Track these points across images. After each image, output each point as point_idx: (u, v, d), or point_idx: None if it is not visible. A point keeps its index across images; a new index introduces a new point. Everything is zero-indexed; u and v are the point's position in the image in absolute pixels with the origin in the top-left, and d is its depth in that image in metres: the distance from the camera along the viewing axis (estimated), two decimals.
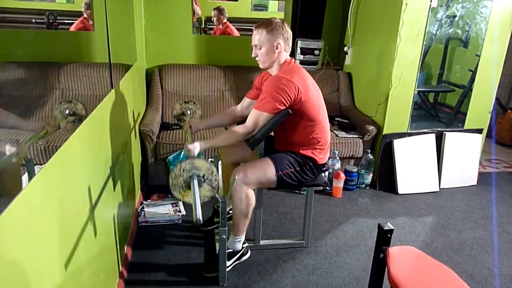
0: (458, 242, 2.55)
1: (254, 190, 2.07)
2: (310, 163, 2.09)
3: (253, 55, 2.02)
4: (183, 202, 2.72)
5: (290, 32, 1.99)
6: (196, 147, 1.91)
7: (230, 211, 2.39)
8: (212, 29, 3.64)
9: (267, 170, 2.01)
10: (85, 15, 1.75)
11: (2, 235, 0.82)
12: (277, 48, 1.96)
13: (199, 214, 1.56)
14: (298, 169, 2.07)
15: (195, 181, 1.71)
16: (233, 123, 2.37)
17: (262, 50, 1.97)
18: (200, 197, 1.71)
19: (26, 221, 0.94)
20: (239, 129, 1.98)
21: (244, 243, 2.17)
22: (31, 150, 1.19)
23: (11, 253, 0.86)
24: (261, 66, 2.04)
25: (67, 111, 1.40)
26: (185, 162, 1.73)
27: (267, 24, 1.94)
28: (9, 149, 0.96)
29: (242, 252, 2.17)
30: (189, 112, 2.52)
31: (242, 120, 2.19)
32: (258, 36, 1.95)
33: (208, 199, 1.83)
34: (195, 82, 3.42)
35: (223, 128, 2.97)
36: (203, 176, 1.76)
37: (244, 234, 2.14)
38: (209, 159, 2.94)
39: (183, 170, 1.73)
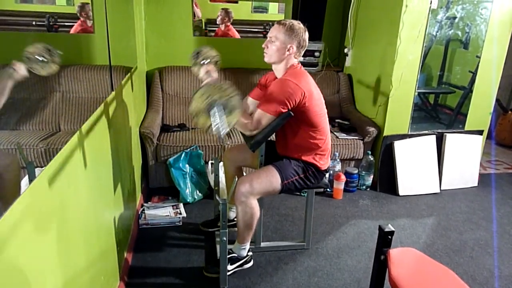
0: (459, 244, 2.54)
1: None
2: (312, 168, 2.09)
3: (263, 45, 2.02)
4: (183, 205, 2.72)
5: (307, 42, 2.01)
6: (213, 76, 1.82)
7: (235, 219, 2.39)
8: (212, 31, 3.65)
9: (273, 180, 2.01)
10: (81, 18, 1.75)
11: (2, 237, 0.82)
12: (288, 50, 1.96)
13: (223, 128, 1.47)
14: (302, 176, 2.08)
15: (218, 111, 1.59)
16: None
17: (274, 46, 1.97)
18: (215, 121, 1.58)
19: (26, 224, 0.94)
20: (245, 120, 1.95)
21: (249, 251, 2.17)
22: (32, 153, 1.19)
23: (12, 256, 0.86)
24: (266, 59, 2.03)
25: (37, 58, 1.33)
26: (234, 95, 1.62)
27: (289, 25, 1.95)
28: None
29: (246, 260, 2.16)
30: (208, 62, 2.23)
31: None
32: (276, 31, 1.97)
33: (203, 128, 1.68)
34: (196, 84, 3.42)
35: None
36: (226, 117, 1.63)
37: (249, 242, 2.14)
38: (210, 161, 2.94)
39: (226, 96, 1.61)
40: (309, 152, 2.07)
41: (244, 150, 2.04)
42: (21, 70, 1.14)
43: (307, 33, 2.00)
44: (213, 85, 1.65)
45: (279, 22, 1.98)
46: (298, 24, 1.97)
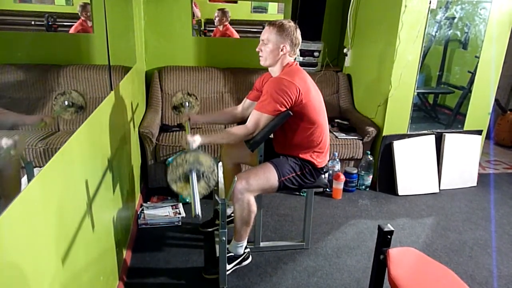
0: (458, 243, 2.54)
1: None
2: (309, 166, 2.09)
3: (257, 49, 2.02)
4: (183, 204, 2.72)
5: (299, 39, 2.01)
6: (195, 140, 1.88)
7: (232, 214, 2.39)
8: (212, 31, 3.65)
9: (270, 177, 2.01)
10: (82, 17, 1.75)
11: (1, 237, 0.82)
12: (282, 50, 1.96)
13: (198, 209, 1.52)
14: (298, 173, 2.07)
15: (194, 175, 1.67)
16: (232, 123, 2.37)
17: (267, 48, 1.97)
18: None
19: (25, 224, 0.94)
20: (240, 129, 1.97)
21: (246, 248, 2.17)
22: (31, 152, 1.19)
23: (10, 256, 0.86)
24: (261, 62, 2.03)
25: (66, 103, 1.39)
26: (189, 154, 1.69)
27: (280, 25, 1.95)
28: (5, 142, 0.96)
29: (244, 257, 2.17)
30: (187, 104, 2.48)
31: (242, 120, 2.19)
32: (267, 33, 1.97)
33: (201, 196, 1.74)
34: (195, 84, 3.42)
35: (222, 126, 2.96)
36: (203, 172, 1.71)
37: (246, 239, 2.13)
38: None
39: (186, 161, 1.68)
40: (306, 149, 2.07)
41: (243, 147, 2.04)
42: (50, 125, 1.21)
43: (298, 31, 2.00)
44: (168, 172, 1.70)
45: (269, 24, 1.98)
46: (288, 23, 1.97)
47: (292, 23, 1.99)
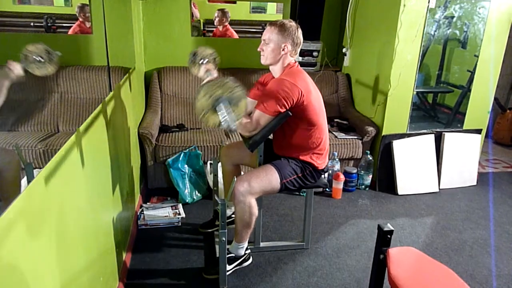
0: (458, 243, 2.54)
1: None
2: (310, 168, 2.09)
3: (258, 49, 2.03)
4: (182, 205, 2.72)
5: (301, 39, 2.01)
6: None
7: (233, 215, 2.39)
8: (211, 31, 3.65)
9: (272, 179, 2.01)
10: (80, 19, 1.75)
11: (1, 238, 0.82)
12: (283, 50, 1.97)
13: (232, 121, 1.45)
14: (300, 175, 2.08)
15: (224, 105, 1.57)
16: None
17: (269, 47, 1.98)
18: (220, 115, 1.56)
19: (24, 224, 0.94)
20: (248, 123, 1.94)
21: (246, 249, 2.17)
22: (30, 154, 1.19)
23: (10, 257, 0.86)
24: (262, 61, 2.04)
25: (35, 58, 1.33)
26: (235, 86, 1.60)
27: (281, 24, 1.96)
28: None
29: (244, 258, 2.16)
30: (207, 61, 2.26)
31: None
32: (269, 33, 1.97)
33: (214, 126, 1.67)
34: (194, 85, 3.42)
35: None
36: (231, 112, 1.61)
37: (247, 241, 2.14)
38: (209, 162, 2.94)
39: (228, 89, 1.59)
40: (306, 151, 2.07)
41: (242, 148, 2.04)
42: (16, 69, 1.14)
43: (300, 30, 2.00)
44: (214, 82, 1.65)
45: (271, 24, 1.99)
46: (289, 23, 1.98)
47: (293, 23, 1.99)
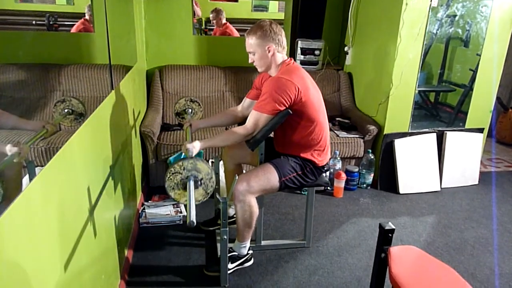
0: (460, 242, 2.54)
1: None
2: (310, 165, 2.09)
3: (249, 61, 2.05)
4: (184, 205, 2.72)
5: (280, 32, 1.98)
6: (195, 147, 1.90)
7: (235, 215, 2.39)
8: (212, 30, 3.65)
9: (270, 178, 2.01)
10: (86, 17, 1.75)
11: (2, 236, 0.82)
12: (269, 51, 1.96)
13: (193, 216, 1.52)
14: (300, 173, 2.07)
15: (192, 183, 1.69)
16: (233, 123, 2.37)
17: (256, 56, 1.99)
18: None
19: (26, 223, 0.94)
20: (239, 129, 1.98)
21: (249, 249, 2.17)
22: (32, 152, 1.20)
23: (12, 255, 0.86)
24: (259, 70, 2.06)
25: (65, 110, 1.39)
26: (187, 161, 1.71)
27: (255, 30, 1.95)
28: (10, 149, 0.96)
29: (246, 258, 2.17)
30: (190, 111, 2.51)
31: (242, 120, 2.19)
32: (249, 43, 1.98)
33: (198, 202, 1.78)
34: (196, 83, 3.42)
35: (223, 128, 2.97)
36: (201, 179, 1.74)
37: (249, 240, 2.14)
38: (211, 160, 2.94)
39: (183, 169, 1.71)
40: (307, 148, 2.06)
41: (244, 147, 2.04)
42: (52, 133, 1.21)
43: (274, 25, 1.97)
44: (166, 179, 1.72)
45: (247, 34, 1.99)
46: (261, 23, 1.96)
47: (265, 22, 1.97)
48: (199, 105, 2.54)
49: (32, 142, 1.13)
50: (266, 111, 1.90)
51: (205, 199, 1.78)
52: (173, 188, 1.74)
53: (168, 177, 1.72)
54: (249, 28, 2.01)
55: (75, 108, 1.44)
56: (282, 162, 2.05)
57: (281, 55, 2.01)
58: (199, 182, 1.74)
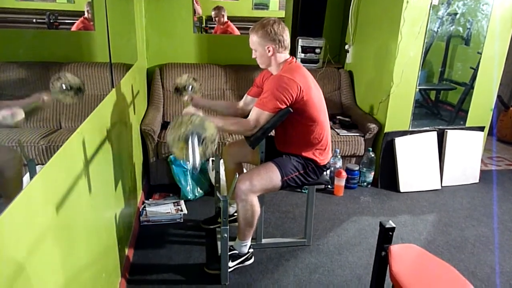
0: (460, 240, 2.54)
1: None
2: (312, 164, 2.09)
3: (253, 57, 2.06)
4: (185, 202, 2.73)
5: (282, 32, 1.96)
6: (199, 115, 1.77)
7: (235, 214, 2.39)
8: (213, 28, 3.65)
9: (273, 177, 2.01)
10: (86, 15, 1.75)
11: (3, 234, 0.82)
12: (269, 51, 1.97)
13: (197, 160, 1.46)
14: (301, 172, 2.07)
15: (195, 138, 1.60)
16: (232, 115, 2.36)
17: (257, 53, 2.01)
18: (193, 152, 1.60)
19: (27, 221, 0.94)
20: (243, 121, 1.96)
21: (250, 247, 2.17)
22: (33, 150, 1.20)
23: (12, 253, 0.87)
24: (261, 66, 2.07)
25: (63, 87, 1.36)
26: (196, 116, 1.65)
27: (258, 28, 1.95)
28: (2, 114, 0.95)
29: (247, 257, 2.17)
30: (190, 88, 2.42)
31: (242, 116, 2.19)
32: (251, 41, 2.00)
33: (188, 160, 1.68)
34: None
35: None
36: (204, 138, 1.64)
37: (250, 239, 2.14)
38: (211, 158, 2.95)
39: (191, 122, 1.62)
40: (308, 147, 2.06)
41: (244, 146, 2.04)
42: (48, 102, 1.17)
43: (276, 24, 1.95)
44: (170, 128, 1.65)
45: (250, 31, 1.99)
46: (263, 22, 1.95)
47: (268, 20, 1.96)
48: (200, 84, 2.48)
49: (28, 108, 1.10)
50: (268, 108, 1.90)
51: (202, 160, 1.66)
52: (174, 139, 1.63)
53: (173, 127, 1.63)
54: (250, 26, 2.02)
55: (71, 83, 1.40)
56: (284, 161, 2.05)
57: (283, 55, 2.01)
58: (202, 141, 1.64)
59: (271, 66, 2.03)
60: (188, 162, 1.54)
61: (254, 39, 1.98)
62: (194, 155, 1.52)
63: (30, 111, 1.11)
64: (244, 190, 1.95)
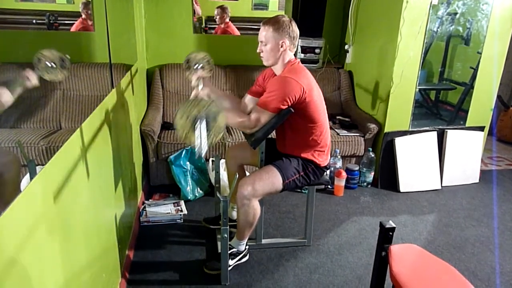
0: (460, 240, 2.54)
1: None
2: (312, 165, 2.09)
3: (258, 51, 2.02)
4: (184, 202, 2.73)
5: (297, 32, 1.98)
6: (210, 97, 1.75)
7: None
8: (213, 28, 3.64)
9: (274, 181, 2.01)
10: (83, 16, 1.75)
11: (3, 235, 0.82)
12: (281, 47, 1.95)
13: (204, 147, 1.43)
14: (302, 173, 2.08)
15: (204, 123, 1.56)
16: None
17: (267, 47, 1.96)
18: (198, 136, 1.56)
19: (27, 221, 0.94)
20: (246, 117, 1.95)
21: (246, 244, 2.18)
22: (33, 151, 1.20)
23: (13, 254, 0.86)
24: (264, 63, 2.03)
25: (48, 65, 1.34)
26: (214, 104, 1.60)
27: (275, 22, 1.93)
28: None
29: (244, 254, 2.19)
30: (201, 67, 2.29)
31: None
32: (264, 33, 1.95)
33: (193, 145, 1.61)
34: None
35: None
36: (212, 128, 1.60)
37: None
38: (211, 159, 2.95)
39: (207, 107, 1.58)
40: (308, 149, 2.06)
41: (246, 148, 2.04)
42: (33, 79, 1.15)
43: (294, 23, 1.97)
44: (188, 102, 1.60)
45: (264, 23, 1.96)
46: (282, 18, 1.95)
47: (286, 17, 1.96)
48: (211, 70, 2.33)
49: (12, 88, 1.08)
50: (270, 108, 1.90)
51: (202, 146, 1.60)
52: (182, 117, 1.57)
53: (189, 104, 1.58)
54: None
55: (53, 58, 1.36)
56: (285, 165, 2.05)
57: (290, 54, 2.01)
58: (209, 130, 1.59)
59: (276, 64, 2.01)
60: (189, 144, 1.50)
61: (270, 32, 1.93)
62: (201, 140, 1.49)
63: (15, 89, 1.08)
64: (246, 195, 1.96)
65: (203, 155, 1.45)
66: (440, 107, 3.68)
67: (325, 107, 2.09)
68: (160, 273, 2.13)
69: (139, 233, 2.46)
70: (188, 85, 3.40)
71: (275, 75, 2.05)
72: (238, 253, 2.15)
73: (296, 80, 1.88)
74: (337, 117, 3.42)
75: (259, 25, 2.01)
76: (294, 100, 1.89)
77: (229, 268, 2.09)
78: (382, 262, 1.50)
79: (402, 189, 3.15)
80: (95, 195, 1.53)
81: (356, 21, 3.49)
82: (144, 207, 2.63)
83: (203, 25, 3.63)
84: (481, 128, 3.35)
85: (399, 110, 3.09)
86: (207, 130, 1.57)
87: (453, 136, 3.25)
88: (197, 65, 2.23)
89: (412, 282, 1.37)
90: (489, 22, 3.02)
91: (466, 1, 3.12)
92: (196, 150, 1.48)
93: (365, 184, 3.21)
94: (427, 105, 3.71)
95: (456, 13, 3.21)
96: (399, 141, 3.13)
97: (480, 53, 3.13)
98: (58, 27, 1.49)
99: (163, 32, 3.43)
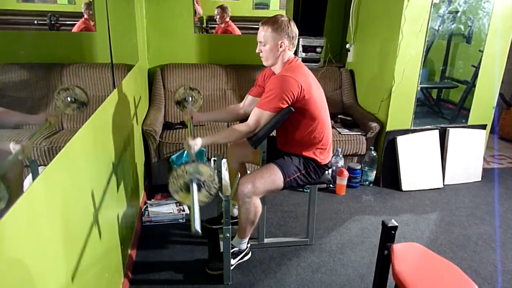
0: (463, 238, 2.54)
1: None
2: (313, 164, 2.09)
3: (257, 51, 2.02)
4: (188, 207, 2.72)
5: (296, 31, 1.98)
6: (197, 144, 1.89)
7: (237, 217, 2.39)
8: (213, 28, 3.65)
9: (275, 179, 2.01)
10: (85, 16, 1.75)
11: (5, 236, 0.82)
12: (281, 47, 1.95)
13: (197, 225, 1.52)
14: (303, 172, 2.08)
15: (195, 186, 1.69)
16: (235, 120, 2.37)
17: (266, 47, 1.96)
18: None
19: (29, 222, 0.94)
20: (241, 127, 1.98)
21: (248, 243, 2.18)
22: (35, 151, 1.20)
23: (16, 254, 0.87)
24: (264, 63, 2.04)
25: (68, 99, 1.38)
26: (189, 165, 1.71)
27: (273, 22, 1.93)
28: (14, 147, 0.96)
29: (246, 252, 2.19)
30: (190, 99, 2.46)
31: (245, 117, 2.19)
32: (263, 33, 1.95)
33: (203, 204, 1.77)
34: (198, 81, 3.42)
35: (225, 124, 2.96)
36: (204, 181, 1.73)
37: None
38: (213, 159, 2.95)
39: (186, 172, 1.70)
40: (309, 147, 2.06)
41: (247, 146, 2.04)
42: (55, 124, 1.20)
43: (292, 23, 1.97)
44: (171, 178, 1.71)
45: (263, 23, 1.96)
46: (281, 18, 1.95)
47: (284, 17, 1.96)
48: (199, 92, 2.49)
49: (36, 137, 1.12)
50: (269, 108, 1.90)
51: (209, 200, 1.77)
52: (176, 192, 1.73)
53: (171, 181, 1.71)
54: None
55: (78, 97, 1.42)
56: (286, 163, 2.05)
57: (290, 53, 2.01)
58: (202, 184, 1.72)
59: (275, 64, 2.01)
60: (191, 219, 1.61)
61: (267, 32, 1.93)
62: (195, 215, 1.57)
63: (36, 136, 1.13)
64: (247, 193, 1.96)
65: (199, 232, 1.51)
66: (442, 106, 3.67)
67: (326, 104, 2.09)
68: (163, 272, 2.14)
69: (142, 233, 2.46)
70: (190, 84, 3.38)
71: (275, 74, 2.05)
72: (240, 252, 2.15)
73: (294, 77, 1.88)
74: (339, 116, 3.41)
75: None
76: (293, 98, 1.89)
77: (231, 267, 2.09)
78: (384, 260, 1.50)
79: (404, 187, 3.14)
80: (98, 195, 1.53)
81: (357, 20, 3.49)
82: (146, 207, 2.63)
83: (204, 24, 3.64)
84: (483, 127, 3.34)
85: (400, 108, 3.09)
86: (202, 186, 1.72)
87: (455, 134, 3.25)
88: (186, 98, 2.46)
89: (415, 280, 1.37)
90: (491, 20, 3.02)
91: None
92: (192, 226, 1.54)
93: (367, 183, 3.20)
94: (429, 104, 3.71)
95: (457, 11, 3.20)
96: (401, 140, 3.13)
97: (482, 51, 3.12)
98: (59, 27, 1.49)
99: (164, 32, 3.43)
